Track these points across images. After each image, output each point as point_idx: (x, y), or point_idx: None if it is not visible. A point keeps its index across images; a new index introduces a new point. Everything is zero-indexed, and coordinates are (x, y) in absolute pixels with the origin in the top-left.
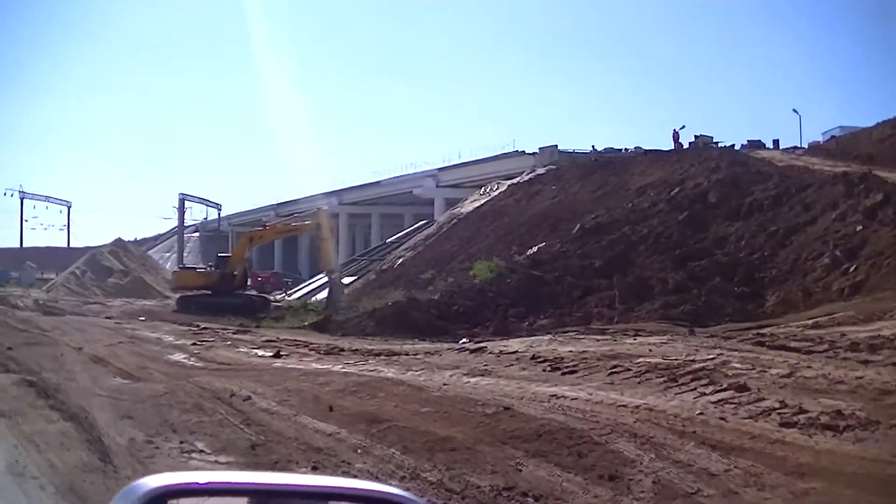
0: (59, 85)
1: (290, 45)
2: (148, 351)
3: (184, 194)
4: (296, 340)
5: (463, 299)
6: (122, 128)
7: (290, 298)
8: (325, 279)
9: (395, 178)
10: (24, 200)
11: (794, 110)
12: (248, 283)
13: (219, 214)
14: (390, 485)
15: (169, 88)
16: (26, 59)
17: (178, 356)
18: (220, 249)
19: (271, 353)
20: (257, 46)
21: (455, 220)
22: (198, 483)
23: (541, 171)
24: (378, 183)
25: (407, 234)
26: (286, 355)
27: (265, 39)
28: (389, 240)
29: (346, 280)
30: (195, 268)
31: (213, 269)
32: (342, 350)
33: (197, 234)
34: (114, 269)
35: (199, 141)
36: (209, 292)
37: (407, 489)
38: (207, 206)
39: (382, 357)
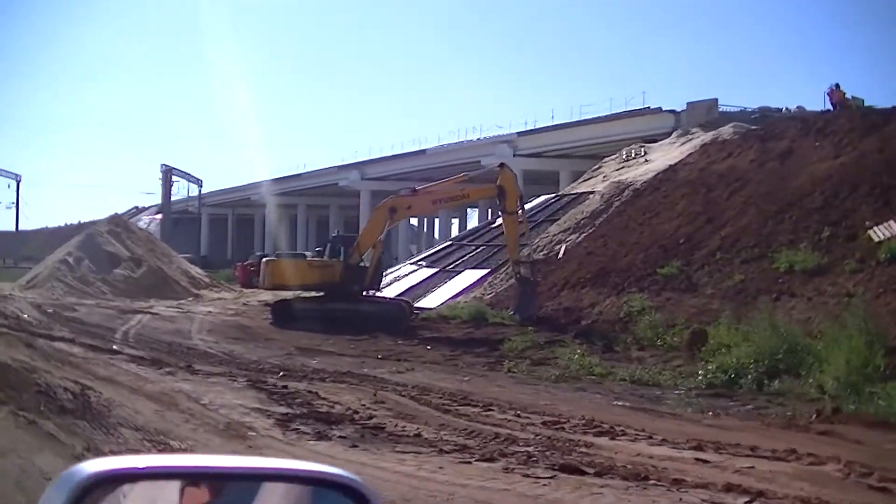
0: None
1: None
2: None
3: (167, 166)
4: None
5: None
6: (73, 96)
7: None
8: (474, 273)
9: (449, 145)
10: None
11: None
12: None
13: (199, 192)
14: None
15: (126, 57)
16: None
17: None
18: (189, 235)
19: None
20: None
21: (629, 192)
22: (137, 468)
23: (728, 130)
24: (423, 152)
25: (534, 212)
26: None
27: None
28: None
29: (476, 274)
30: (304, 254)
31: (329, 256)
32: None
33: (159, 215)
34: (120, 256)
35: (171, 111)
36: (321, 293)
37: None
38: (189, 181)
39: None
